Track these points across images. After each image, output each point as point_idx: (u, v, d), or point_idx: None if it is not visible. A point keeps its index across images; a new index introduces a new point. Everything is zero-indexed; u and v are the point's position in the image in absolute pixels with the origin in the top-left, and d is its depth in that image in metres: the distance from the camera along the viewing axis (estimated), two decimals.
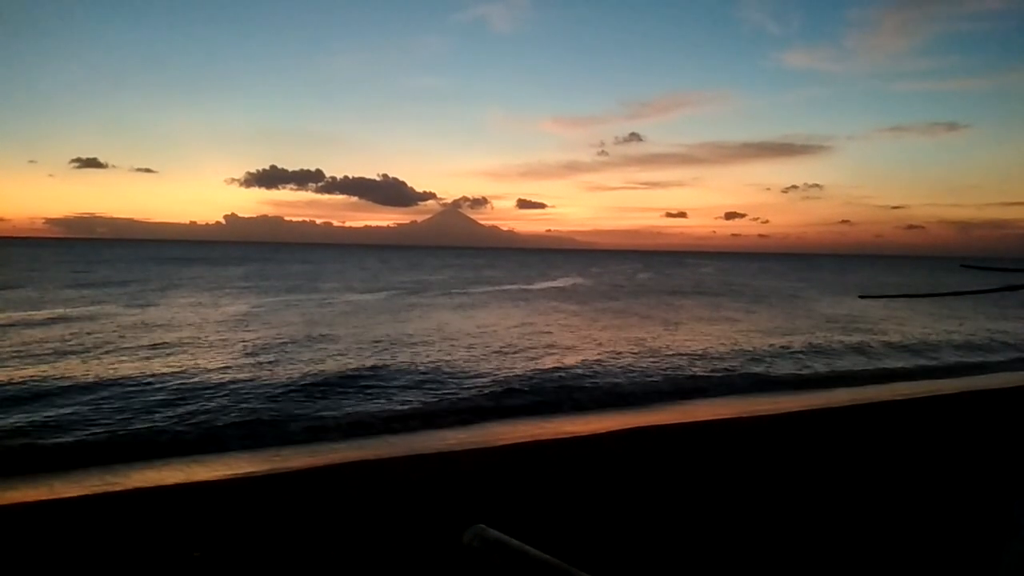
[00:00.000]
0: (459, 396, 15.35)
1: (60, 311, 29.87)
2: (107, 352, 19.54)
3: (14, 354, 18.72)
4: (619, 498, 8.07)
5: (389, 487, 8.98)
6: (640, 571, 5.98)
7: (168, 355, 19.45)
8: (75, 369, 16.87)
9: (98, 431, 11.82)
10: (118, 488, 9.28)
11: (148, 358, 18.81)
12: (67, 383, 15.17)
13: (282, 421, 12.87)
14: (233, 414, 13.09)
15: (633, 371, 18.80)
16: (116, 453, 10.86)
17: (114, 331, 23.92)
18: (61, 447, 11.03)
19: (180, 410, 13.30)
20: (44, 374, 16.08)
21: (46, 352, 19.22)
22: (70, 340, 21.54)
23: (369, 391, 15.42)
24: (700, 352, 22.61)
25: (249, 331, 25.55)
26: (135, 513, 7.99)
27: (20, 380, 15.40)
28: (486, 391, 15.77)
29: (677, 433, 12.49)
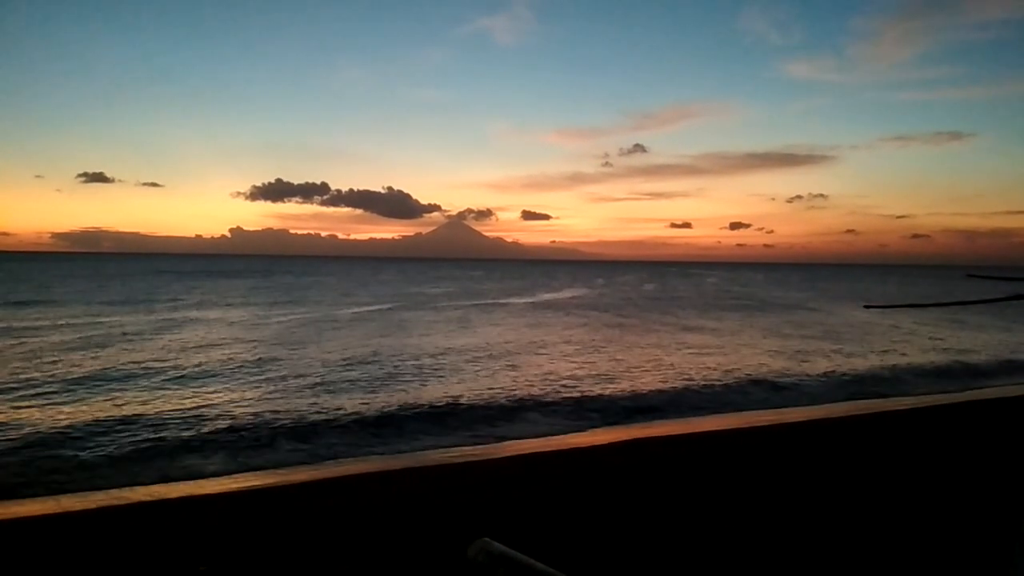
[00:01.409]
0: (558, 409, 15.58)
1: (106, 331, 29.09)
2: (166, 376, 18.61)
3: (79, 377, 18.06)
4: (625, 510, 8.04)
5: (393, 500, 8.95)
6: None
7: (239, 378, 18.68)
8: (132, 392, 16.35)
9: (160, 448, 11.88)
10: (124, 502, 9.30)
11: (218, 379, 18.23)
12: (127, 408, 14.75)
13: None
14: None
15: (659, 386, 18.52)
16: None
17: (168, 352, 23.15)
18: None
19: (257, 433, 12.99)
20: (106, 399, 15.57)
21: (107, 372, 18.87)
22: (127, 360, 21.03)
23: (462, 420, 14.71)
24: (711, 366, 22.59)
25: (312, 349, 24.89)
26: (141, 527, 8.00)
27: (89, 404, 15.11)
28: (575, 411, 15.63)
29: (681, 444, 12.43)
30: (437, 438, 13.14)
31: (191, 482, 10.34)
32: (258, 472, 10.89)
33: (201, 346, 25.10)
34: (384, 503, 8.78)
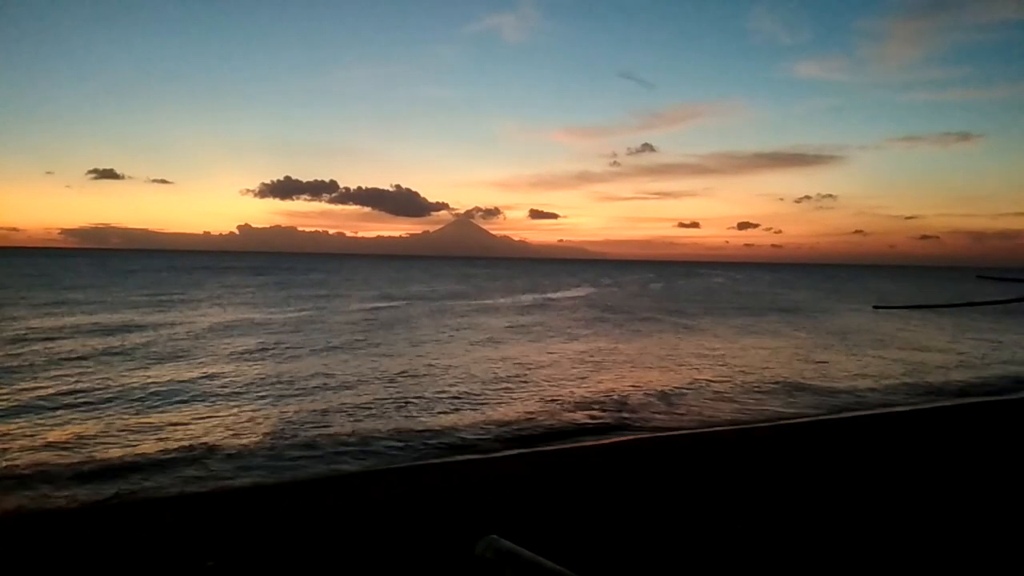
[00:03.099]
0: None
1: (161, 332, 27.64)
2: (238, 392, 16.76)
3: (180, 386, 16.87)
4: (633, 508, 8.03)
5: (401, 496, 8.97)
6: None
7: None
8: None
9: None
10: (133, 497, 9.35)
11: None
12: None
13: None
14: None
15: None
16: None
17: (237, 360, 21.55)
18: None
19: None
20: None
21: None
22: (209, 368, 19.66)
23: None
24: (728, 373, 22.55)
25: (378, 351, 24.02)
26: (150, 522, 8.05)
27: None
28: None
29: (690, 443, 12.41)
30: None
31: (200, 477, 10.37)
32: (265, 467, 10.91)
33: (264, 350, 23.91)
34: (392, 500, 8.80)
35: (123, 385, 16.91)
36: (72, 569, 6.51)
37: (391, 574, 6.23)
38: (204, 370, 19.42)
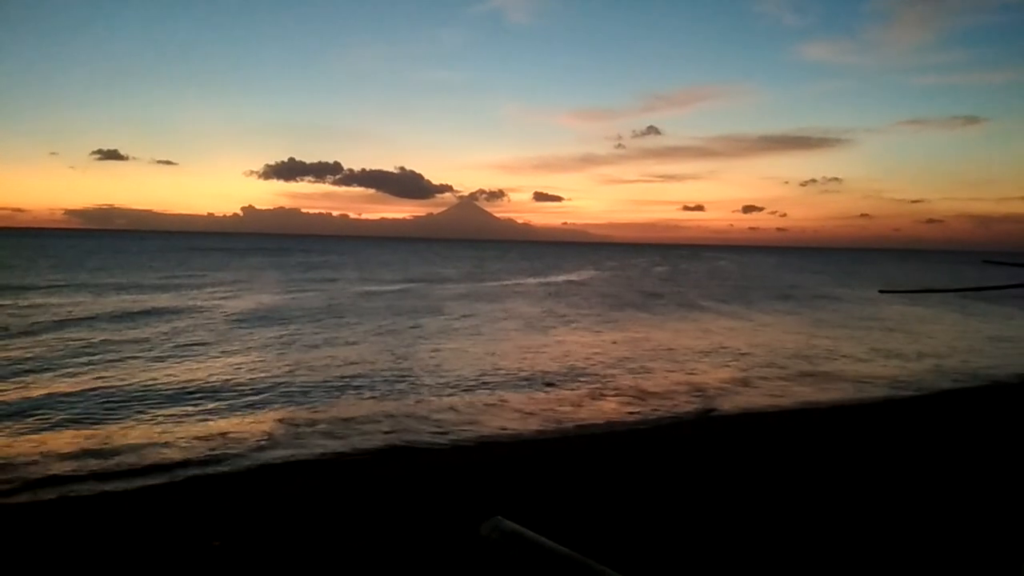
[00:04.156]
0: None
1: (182, 318, 26.72)
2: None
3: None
4: (636, 490, 8.06)
5: (407, 477, 9.02)
6: (656, 564, 5.98)
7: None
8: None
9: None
10: (139, 484, 9.42)
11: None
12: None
13: None
14: None
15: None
16: None
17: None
18: None
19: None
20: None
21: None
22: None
23: None
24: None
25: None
26: (157, 504, 8.12)
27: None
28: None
29: (695, 426, 12.43)
30: None
31: (208, 459, 10.40)
32: (267, 449, 10.95)
33: (293, 335, 23.27)
34: (398, 480, 8.86)
35: (144, 374, 16.54)
36: (81, 553, 6.57)
37: (398, 554, 6.28)
38: (234, 359, 19.01)
